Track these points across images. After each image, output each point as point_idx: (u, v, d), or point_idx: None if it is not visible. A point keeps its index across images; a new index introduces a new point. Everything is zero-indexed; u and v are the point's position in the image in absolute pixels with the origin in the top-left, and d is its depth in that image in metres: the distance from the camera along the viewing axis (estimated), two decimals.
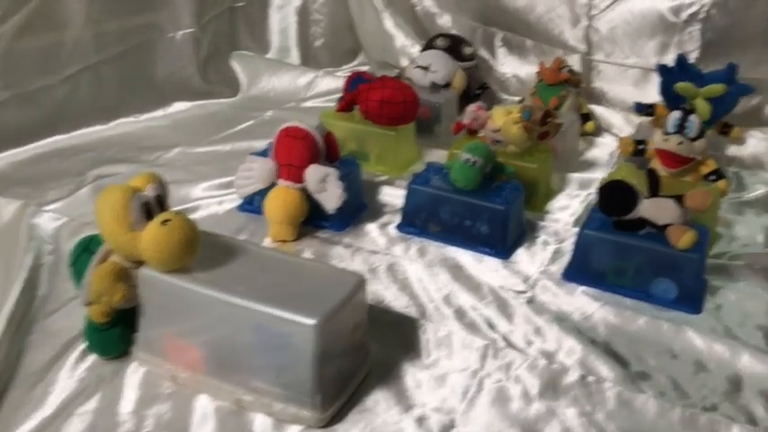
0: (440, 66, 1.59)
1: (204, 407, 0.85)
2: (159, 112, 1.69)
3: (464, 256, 1.14)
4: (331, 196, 1.14)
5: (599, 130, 1.60)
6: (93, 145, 1.52)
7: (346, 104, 1.42)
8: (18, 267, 1.06)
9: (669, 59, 1.51)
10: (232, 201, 1.28)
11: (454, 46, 1.67)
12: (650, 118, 1.40)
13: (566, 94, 1.53)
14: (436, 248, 1.17)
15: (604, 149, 1.53)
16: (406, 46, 1.86)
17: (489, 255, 1.15)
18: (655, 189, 1.04)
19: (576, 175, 1.40)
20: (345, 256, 1.15)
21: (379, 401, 0.86)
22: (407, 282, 1.09)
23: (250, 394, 0.84)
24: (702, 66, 1.48)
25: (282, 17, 1.98)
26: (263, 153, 1.22)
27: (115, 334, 0.90)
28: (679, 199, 1.02)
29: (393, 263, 1.13)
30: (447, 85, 1.59)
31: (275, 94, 1.83)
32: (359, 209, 1.27)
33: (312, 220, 1.19)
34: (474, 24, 1.80)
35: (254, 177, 1.18)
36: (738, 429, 0.83)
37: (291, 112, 1.71)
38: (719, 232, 1.21)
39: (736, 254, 1.16)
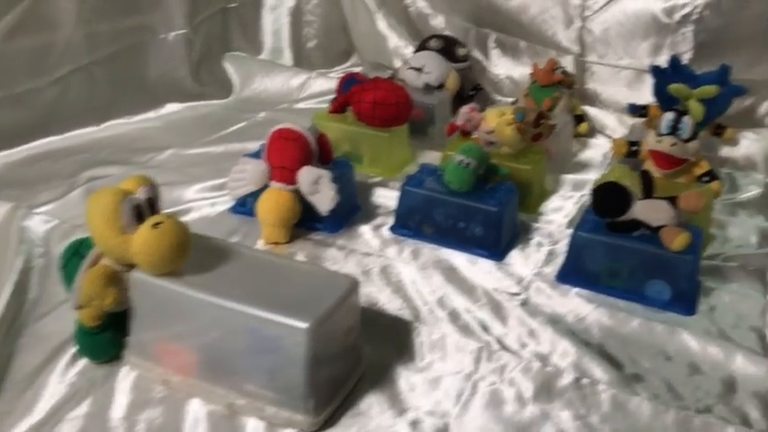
0: (433, 67, 1.58)
1: (196, 411, 0.84)
2: (151, 114, 1.68)
3: (458, 258, 1.14)
4: (324, 198, 1.14)
5: (592, 131, 1.60)
6: (85, 146, 1.51)
7: (339, 106, 1.42)
8: (8, 270, 1.05)
9: (662, 61, 1.51)
10: (225, 202, 1.27)
11: (447, 47, 1.67)
12: (643, 119, 1.41)
13: (559, 96, 1.53)
14: (430, 250, 1.16)
15: (598, 151, 1.53)
16: (400, 47, 1.85)
17: (483, 256, 1.14)
18: (648, 190, 1.03)
19: (569, 177, 1.40)
20: (339, 258, 1.14)
21: (373, 405, 0.85)
22: (401, 284, 1.08)
23: (242, 398, 0.83)
24: (695, 67, 1.48)
25: (275, 18, 1.97)
26: (256, 155, 1.22)
27: (106, 338, 0.89)
28: (673, 200, 1.01)
29: (387, 265, 1.12)
30: (440, 87, 1.58)
31: (268, 96, 1.82)
32: (352, 211, 1.26)
33: (305, 221, 1.18)
34: (467, 25, 1.80)
35: (246, 179, 1.17)
36: (733, 431, 0.82)
37: (284, 114, 1.70)
38: (713, 233, 1.21)
39: (729, 255, 1.16)
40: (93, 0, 1.54)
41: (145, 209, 0.84)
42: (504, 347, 0.95)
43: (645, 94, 1.54)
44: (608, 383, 0.89)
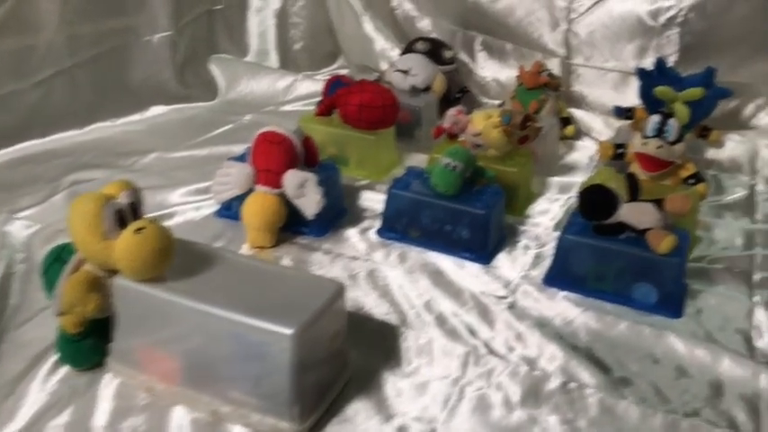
0: (420, 69, 1.58)
1: (180, 419, 0.83)
2: (136, 117, 1.67)
3: (445, 262, 1.14)
4: (310, 202, 1.13)
5: (579, 133, 1.60)
6: (68, 150, 1.49)
7: (325, 108, 1.41)
8: None
9: (648, 63, 1.52)
10: (210, 206, 1.26)
11: (434, 49, 1.67)
12: (629, 121, 1.41)
13: (545, 98, 1.53)
14: (417, 254, 1.16)
15: (584, 153, 1.53)
16: (386, 49, 1.85)
17: (470, 260, 1.14)
18: (634, 193, 1.03)
19: (556, 179, 1.40)
20: (325, 262, 1.13)
21: (359, 411, 0.85)
22: (388, 288, 1.07)
23: (227, 405, 0.82)
24: (681, 69, 1.49)
25: (261, 20, 1.96)
26: (241, 158, 1.21)
27: (88, 345, 0.88)
28: (659, 203, 1.01)
29: (373, 269, 1.12)
30: (427, 89, 1.58)
31: (254, 98, 1.82)
32: (339, 214, 1.25)
33: (291, 225, 1.17)
34: (454, 28, 1.80)
35: (231, 183, 1.16)
36: None
37: (270, 116, 1.69)
38: (699, 236, 1.21)
39: (715, 257, 1.16)
40: (75, 2, 1.53)
41: (127, 214, 0.83)
42: (492, 351, 0.95)
43: (630, 96, 1.54)
44: (595, 387, 0.89)
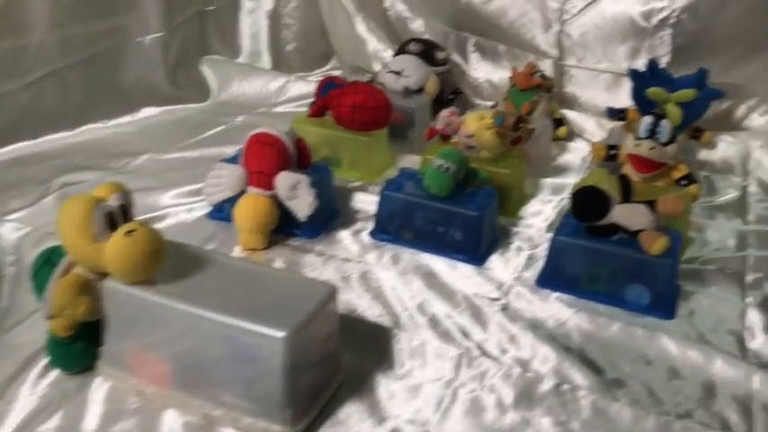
0: (412, 71, 1.58)
1: (171, 422, 0.82)
2: (127, 118, 1.66)
3: (438, 263, 1.13)
4: (302, 203, 1.13)
5: (571, 135, 1.60)
6: (59, 152, 1.49)
7: (318, 110, 1.41)
8: None
9: (640, 64, 1.52)
10: (202, 208, 1.26)
11: (427, 51, 1.66)
12: (622, 123, 1.41)
13: (538, 100, 1.53)
14: (410, 255, 1.15)
15: (577, 154, 1.53)
16: (379, 50, 1.85)
17: (463, 261, 1.14)
18: (627, 194, 1.03)
19: (548, 181, 1.40)
20: (317, 264, 1.13)
21: (352, 414, 0.84)
22: (381, 290, 1.07)
23: (219, 408, 0.82)
24: (673, 70, 1.49)
25: (253, 21, 1.96)
26: (233, 159, 1.20)
27: (79, 348, 0.87)
28: (651, 204, 1.01)
29: (366, 271, 1.11)
30: (420, 90, 1.58)
31: (246, 100, 1.81)
32: (331, 216, 1.25)
33: (283, 227, 1.17)
34: (446, 29, 1.80)
35: (223, 184, 1.16)
36: None
37: (262, 118, 1.68)
38: (691, 237, 1.21)
39: (708, 258, 1.16)
40: (66, 2, 1.52)
41: (117, 216, 0.82)
42: (485, 353, 0.94)
43: (623, 97, 1.54)
44: (588, 389, 0.88)
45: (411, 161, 1.41)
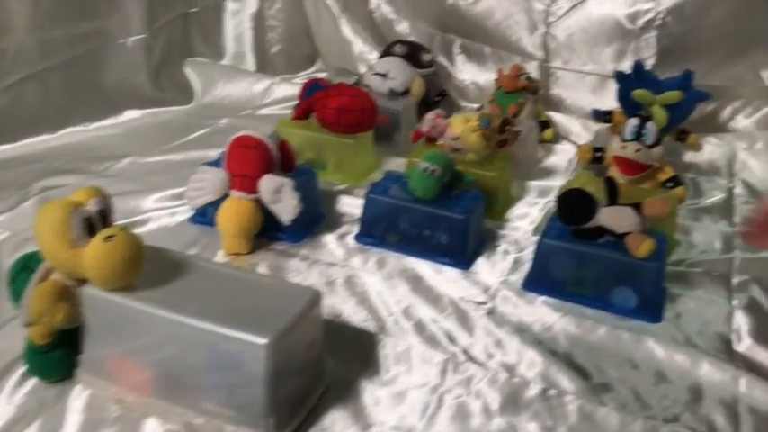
0: (398, 73, 1.57)
1: (152, 431, 0.81)
2: (109, 121, 1.64)
3: (424, 267, 1.12)
4: (286, 207, 1.11)
5: (557, 137, 1.59)
6: (39, 155, 1.46)
7: (302, 112, 1.39)
8: None
9: (626, 66, 1.52)
10: (184, 212, 1.24)
11: (412, 53, 1.65)
12: (608, 125, 1.41)
13: (524, 102, 1.53)
14: (395, 259, 1.14)
15: (563, 157, 1.53)
16: (364, 52, 1.84)
17: (449, 265, 1.13)
18: (613, 197, 1.03)
19: (535, 183, 1.40)
20: (302, 268, 1.12)
21: (337, 421, 0.83)
22: (366, 294, 1.06)
23: (201, 416, 0.80)
24: (659, 72, 1.49)
25: (237, 23, 1.94)
26: (216, 163, 1.19)
27: (57, 356, 0.85)
28: (637, 207, 1.01)
29: (351, 275, 1.10)
30: (405, 93, 1.57)
31: (230, 102, 1.79)
32: (316, 219, 1.24)
33: (267, 231, 1.16)
34: (432, 31, 1.79)
35: (205, 188, 1.14)
36: None
37: (247, 120, 1.67)
38: (678, 239, 1.21)
39: (694, 261, 1.16)
40: (47, 4, 1.50)
41: (96, 221, 0.80)
42: (471, 358, 0.94)
43: (609, 99, 1.54)
44: (575, 394, 0.88)
45: (397, 164, 1.40)
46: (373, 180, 1.24)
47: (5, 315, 0.96)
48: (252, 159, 1.12)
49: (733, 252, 1.19)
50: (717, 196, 1.37)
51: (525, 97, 1.54)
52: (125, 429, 0.81)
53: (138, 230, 1.16)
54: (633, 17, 1.55)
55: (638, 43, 1.56)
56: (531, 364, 0.93)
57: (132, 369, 0.82)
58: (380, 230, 1.18)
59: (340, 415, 0.84)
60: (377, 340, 0.96)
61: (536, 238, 1.13)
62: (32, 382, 0.86)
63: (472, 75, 1.76)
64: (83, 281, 0.81)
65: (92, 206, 0.81)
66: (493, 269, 1.13)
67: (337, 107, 1.34)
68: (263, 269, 1.11)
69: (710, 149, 1.52)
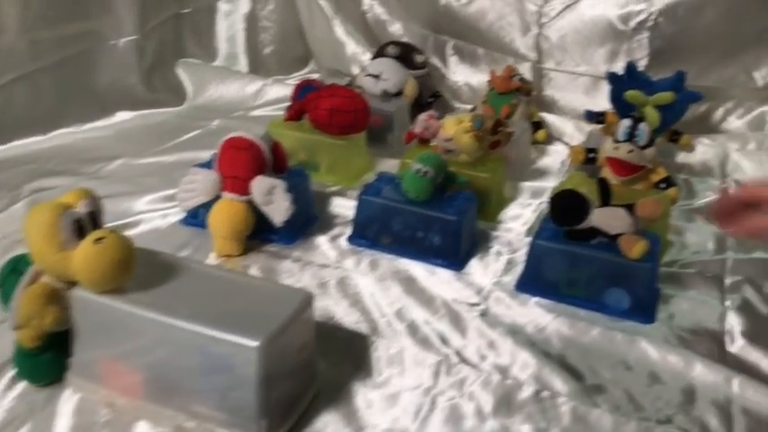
0: (391, 74, 1.57)
1: None
2: (101, 122, 1.63)
3: (417, 269, 1.12)
4: (278, 209, 1.11)
5: (550, 138, 1.59)
6: (30, 157, 1.45)
7: (295, 113, 1.39)
8: None
9: (618, 67, 1.52)
10: (176, 214, 1.23)
11: (405, 54, 1.65)
12: (601, 126, 1.40)
13: (517, 103, 1.53)
14: (388, 261, 1.14)
15: (556, 158, 1.52)
16: (357, 53, 1.83)
17: (442, 266, 1.12)
18: (606, 198, 1.03)
19: (527, 184, 1.39)
20: (294, 270, 1.11)
21: (329, 424, 0.83)
22: (359, 296, 1.06)
23: (192, 420, 0.80)
24: (651, 73, 1.49)
25: (230, 24, 1.93)
26: (208, 164, 1.18)
27: (47, 359, 0.85)
28: (630, 208, 1.01)
29: (344, 277, 1.10)
30: (398, 94, 1.57)
31: (223, 103, 1.79)
32: (309, 221, 1.23)
33: (259, 233, 1.15)
34: (425, 32, 1.79)
35: (197, 190, 1.14)
36: None
37: (239, 122, 1.66)
38: (671, 240, 1.21)
39: (687, 262, 1.16)
40: (37, 5, 1.49)
41: (86, 223, 0.80)
42: (464, 360, 0.93)
43: (602, 100, 1.54)
44: (568, 395, 0.88)
45: (390, 165, 1.40)
46: (366, 181, 1.23)
47: None
48: (243, 161, 1.11)
49: (726, 253, 1.18)
50: (710, 197, 1.37)
51: (518, 98, 1.54)
52: None
53: (129, 232, 1.15)
54: (626, 18, 1.55)
55: (630, 44, 1.56)
56: (524, 365, 0.92)
57: (123, 372, 0.82)
58: (373, 232, 1.17)
59: (332, 418, 0.83)
60: (369, 342, 0.96)
61: (529, 239, 1.13)
62: (22, 385, 0.86)
63: (465, 76, 1.76)
64: (72, 283, 0.80)
65: (81, 208, 0.80)
66: (486, 270, 1.13)
67: (330, 108, 1.33)
68: (255, 271, 1.10)
69: (703, 150, 1.52)
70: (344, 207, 1.28)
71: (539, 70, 1.67)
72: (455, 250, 1.13)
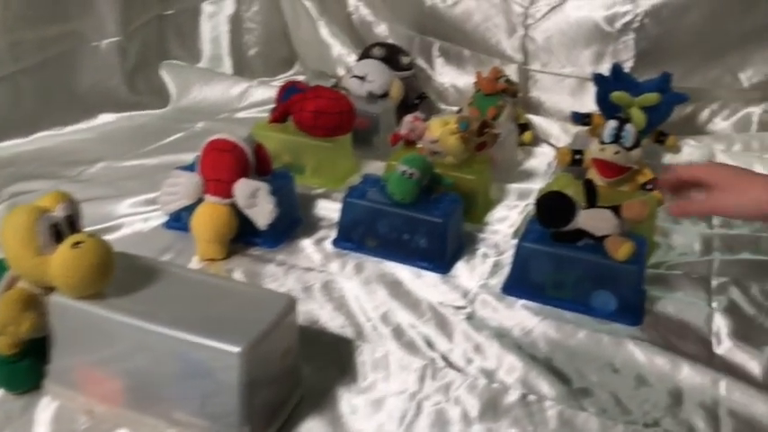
0: (376, 75, 1.56)
1: None
2: (83, 125, 1.61)
3: (402, 272, 1.11)
4: (262, 212, 1.09)
5: (536, 139, 1.59)
6: (10, 160, 1.43)
7: (279, 115, 1.38)
8: None
9: (604, 69, 1.52)
10: (158, 217, 1.22)
11: (391, 55, 1.64)
12: (587, 127, 1.40)
13: (503, 104, 1.52)
14: (374, 264, 1.13)
15: (542, 159, 1.52)
16: (343, 55, 1.83)
17: (428, 269, 1.11)
18: (592, 200, 1.02)
19: (514, 186, 1.39)
20: (278, 274, 1.10)
21: (313, 430, 0.81)
22: (344, 300, 1.04)
23: (173, 427, 0.78)
24: (637, 75, 1.49)
25: (214, 25, 1.91)
26: (190, 167, 1.17)
27: (24, 366, 0.83)
28: (616, 209, 1.00)
29: (329, 280, 1.09)
30: (384, 95, 1.56)
31: (207, 105, 1.77)
32: (293, 224, 1.22)
33: (243, 236, 1.13)
34: (411, 34, 1.78)
35: (179, 193, 1.12)
36: None
37: (224, 124, 1.65)
38: (657, 242, 1.20)
39: (673, 263, 1.16)
40: (17, 6, 1.46)
41: (64, 227, 0.78)
42: (450, 364, 0.92)
43: (588, 102, 1.54)
44: (555, 399, 0.87)
45: (375, 167, 1.39)
46: (351, 183, 1.22)
47: None
48: (226, 163, 1.10)
49: (712, 254, 1.18)
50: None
51: (504, 100, 1.53)
52: None
53: (111, 236, 1.14)
54: (611, 19, 1.55)
55: (616, 46, 1.56)
56: (510, 369, 0.91)
57: (102, 379, 0.80)
58: (359, 235, 1.16)
59: (316, 424, 0.82)
60: (354, 346, 0.95)
61: (515, 241, 1.12)
62: None
63: (451, 77, 1.75)
64: (50, 289, 0.78)
65: (59, 212, 0.78)
66: (472, 273, 1.12)
67: (315, 110, 1.32)
68: (238, 275, 1.09)
69: (689, 151, 1.52)
70: (329, 210, 1.27)
71: (525, 72, 1.67)
72: (441, 253, 1.12)
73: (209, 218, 1.09)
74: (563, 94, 1.65)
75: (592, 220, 1.00)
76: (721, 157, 1.49)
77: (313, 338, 0.95)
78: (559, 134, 1.59)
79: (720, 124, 1.61)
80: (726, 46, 1.54)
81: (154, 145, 1.54)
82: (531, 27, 1.63)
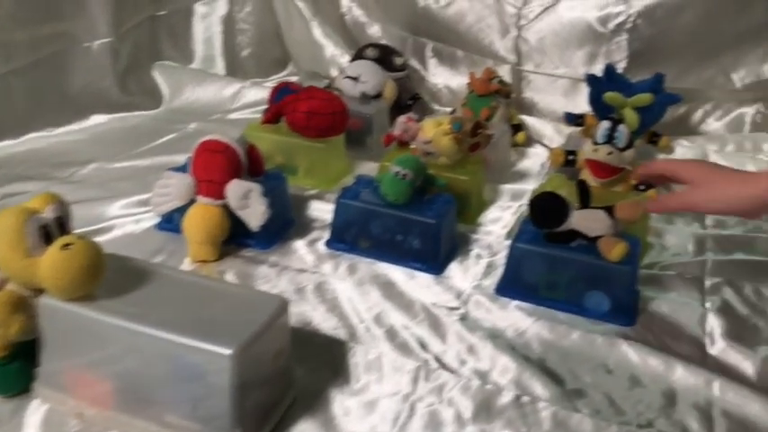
0: (370, 76, 1.56)
1: None
2: (75, 126, 1.60)
3: (396, 273, 1.11)
4: (254, 213, 1.09)
5: (530, 140, 1.59)
6: (1, 161, 1.42)
7: (272, 116, 1.37)
8: None
9: (597, 69, 1.52)
10: (150, 219, 1.21)
11: (384, 56, 1.64)
12: (580, 128, 1.40)
13: (496, 105, 1.52)
14: (367, 265, 1.12)
15: (535, 160, 1.52)
16: (336, 56, 1.82)
17: (421, 270, 1.11)
18: (585, 200, 1.02)
19: (507, 187, 1.38)
20: (271, 275, 1.09)
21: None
22: (336, 301, 1.04)
23: (164, 430, 0.77)
24: (630, 75, 1.49)
25: (207, 26, 1.90)
26: (182, 168, 1.16)
27: (13, 369, 0.82)
28: (609, 210, 1.00)
29: (322, 282, 1.08)
30: (377, 96, 1.56)
31: (199, 106, 1.76)
32: (286, 225, 1.21)
33: (235, 238, 1.13)
34: (404, 34, 1.78)
35: (171, 194, 1.11)
36: None
37: (217, 125, 1.64)
38: (650, 242, 1.20)
39: (667, 264, 1.15)
40: (9, 6, 1.45)
41: (53, 229, 0.78)
42: (443, 366, 0.92)
43: (581, 102, 1.54)
44: (549, 400, 0.86)
45: (369, 168, 1.38)
46: (344, 184, 1.22)
47: None
48: (218, 164, 1.09)
49: (705, 254, 1.18)
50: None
51: (497, 101, 1.53)
52: None
53: (102, 238, 1.14)
54: (604, 20, 1.55)
55: (609, 46, 1.56)
56: (504, 370, 0.91)
57: (92, 382, 0.79)
58: (352, 236, 1.16)
59: (309, 426, 0.81)
60: (347, 348, 0.94)
61: (509, 242, 1.12)
62: None
63: (444, 78, 1.75)
64: (39, 291, 0.78)
65: (48, 213, 0.78)
66: (465, 274, 1.11)
67: (307, 111, 1.32)
68: (230, 276, 1.08)
69: (682, 152, 1.52)
70: (322, 211, 1.26)
71: (518, 72, 1.66)
72: (434, 254, 1.12)
73: (201, 219, 1.08)
74: (556, 95, 1.65)
75: (585, 220, 1.00)
76: (714, 158, 1.49)
77: (306, 340, 0.95)
78: (553, 135, 1.59)
79: (713, 125, 1.61)
80: (719, 47, 1.54)
81: (146, 146, 1.53)
82: (524, 28, 1.63)
